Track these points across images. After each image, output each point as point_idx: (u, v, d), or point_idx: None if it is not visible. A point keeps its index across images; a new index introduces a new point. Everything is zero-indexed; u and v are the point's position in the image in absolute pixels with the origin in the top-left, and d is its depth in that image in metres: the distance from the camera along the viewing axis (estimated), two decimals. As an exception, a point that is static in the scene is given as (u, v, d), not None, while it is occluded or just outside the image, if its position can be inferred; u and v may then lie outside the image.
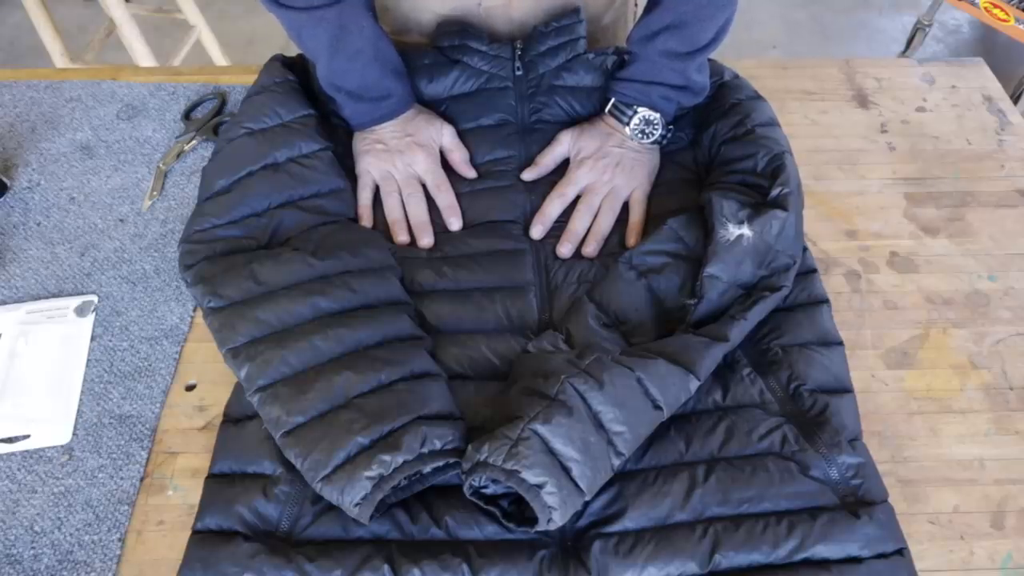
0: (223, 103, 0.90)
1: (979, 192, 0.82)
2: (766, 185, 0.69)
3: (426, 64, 0.80)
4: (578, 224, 0.74)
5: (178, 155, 0.85)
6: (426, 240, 0.74)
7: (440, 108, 0.81)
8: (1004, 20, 1.94)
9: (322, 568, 0.54)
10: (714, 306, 0.65)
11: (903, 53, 2.33)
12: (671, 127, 0.79)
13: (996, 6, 1.94)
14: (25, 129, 0.88)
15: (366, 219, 0.76)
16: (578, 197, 0.77)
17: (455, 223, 0.75)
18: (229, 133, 0.75)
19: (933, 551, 0.59)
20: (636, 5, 0.99)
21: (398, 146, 0.77)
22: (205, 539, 0.57)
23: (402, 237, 0.75)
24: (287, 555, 0.55)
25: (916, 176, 0.84)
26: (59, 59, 1.74)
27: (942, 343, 0.71)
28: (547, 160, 0.79)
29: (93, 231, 0.79)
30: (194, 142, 0.86)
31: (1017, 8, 1.93)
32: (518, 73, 0.79)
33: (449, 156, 0.79)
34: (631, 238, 0.74)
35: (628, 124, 0.77)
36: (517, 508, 0.57)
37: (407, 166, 0.77)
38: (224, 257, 0.68)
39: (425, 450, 0.56)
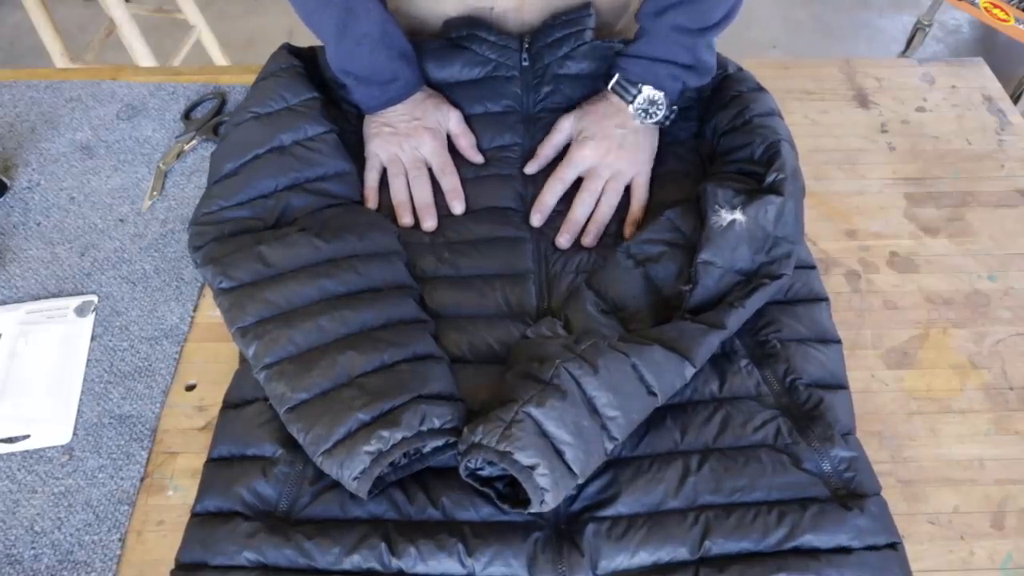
0: (223, 103, 0.90)
1: (979, 192, 0.82)
2: (762, 172, 0.70)
3: (434, 49, 0.81)
4: (579, 212, 0.74)
5: (178, 155, 0.85)
6: (429, 223, 0.75)
7: (446, 93, 0.81)
8: (1004, 20, 1.94)
9: (320, 546, 0.55)
10: (711, 292, 0.65)
11: (903, 53, 2.33)
12: (674, 108, 0.78)
13: (996, 6, 1.94)
14: (25, 129, 0.88)
15: (372, 201, 0.77)
16: (579, 180, 0.76)
17: (458, 206, 0.76)
18: (236, 118, 0.76)
19: (933, 551, 0.59)
20: None
21: (406, 129, 0.78)
22: (204, 520, 0.57)
23: (406, 219, 0.75)
24: (286, 534, 0.56)
25: (916, 176, 0.84)
26: (59, 59, 1.74)
27: (942, 343, 0.71)
28: (547, 151, 0.78)
29: (93, 231, 0.79)
30: (194, 142, 0.86)
31: (1017, 8, 1.93)
32: (524, 63, 0.80)
33: (456, 141, 0.80)
34: (629, 229, 0.74)
35: (632, 102, 0.76)
36: (512, 490, 0.57)
37: (413, 149, 0.78)
38: (232, 238, 0.69)
39: (424, 428, 0.57)
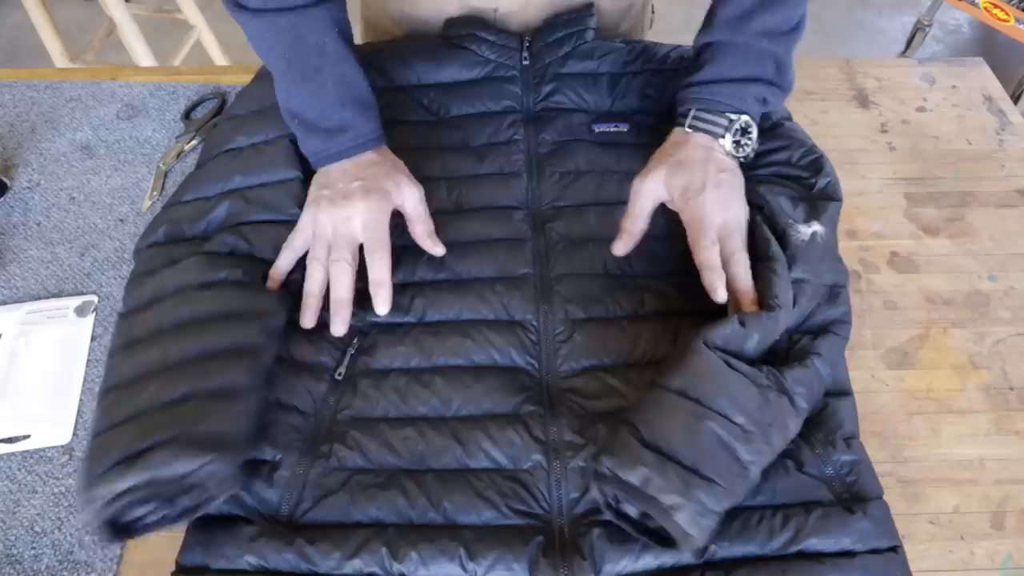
0: (223, 103, 0.90)
1: (979, 192, 0.82)
2: (805, 176, 0.70)
3: (432, 49, 0.81)
4: (745, 280, 0.62)
5: (178, 155, 0.85)
6: (339, 328, 0.63)
7: (445, 93, 0.81)
8: (1004, 20, 1.94)
9: (322, 551, 0.55)
10: (804, 311, 0.63)
11: (903, 53, 2.33)
12: (756, 139, 0.69)
13: (996, 6, 1.94)
14: (25, 129, 0.88)
15: (274, 283, 0.65)
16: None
17: (382, 307, 0.64)
18: (219, 120, 0.77)
19: (933, 551, 0.59)
20: (652, 12, 0.99)
21: (343, 191, 0.65)
22: (205, 523, 0.57)
23: (307, 319, 0.64)
24: (287, 538, 0.55)
25: (916, 176, 0.84)
26: (59, 59, 1.74)
27: (942, 343, 0.71)
28: (636, 225, 0.66)
29: (93, 231, 0.79)
30: (194, 142, 0.86)
31: (1017, 8, 1.93)
32: (525, 63, 0.80)
33: (411, 227, 0.68)
34: (751, 307, 0.61)
35: (725, 135, 0.66)
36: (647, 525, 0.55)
37: (345, 221, 0.65)
38: (151, 259, 0.68)
39: (163, 473, 0.52)
